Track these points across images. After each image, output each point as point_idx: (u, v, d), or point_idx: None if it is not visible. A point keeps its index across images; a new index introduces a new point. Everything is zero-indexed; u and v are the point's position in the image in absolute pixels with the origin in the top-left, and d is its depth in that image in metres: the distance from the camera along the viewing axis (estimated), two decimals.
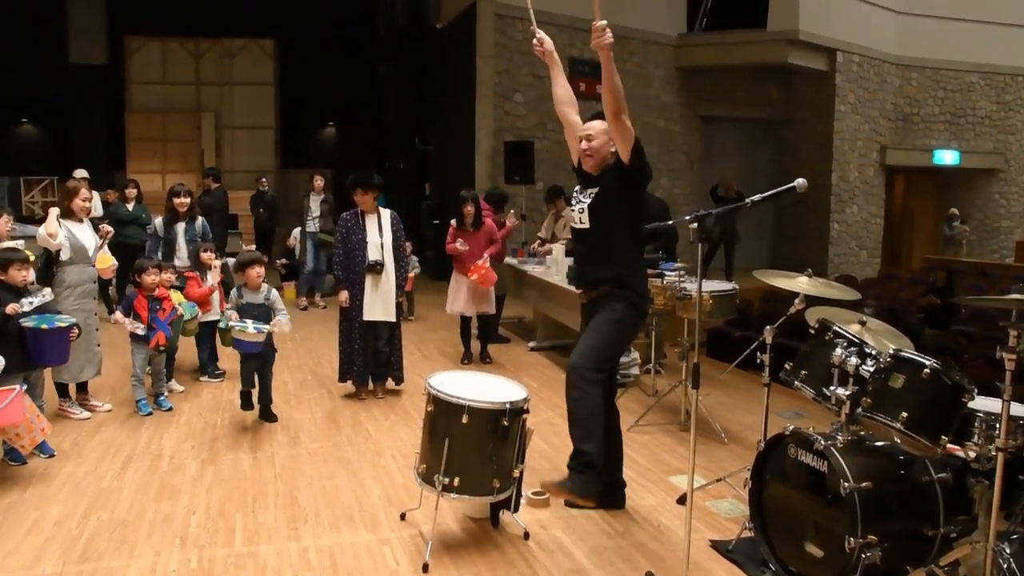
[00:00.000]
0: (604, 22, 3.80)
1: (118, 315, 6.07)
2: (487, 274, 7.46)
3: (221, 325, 6.32)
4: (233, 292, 5.94)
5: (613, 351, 4.13)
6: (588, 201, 4.13)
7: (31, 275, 5.23)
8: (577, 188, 4.29)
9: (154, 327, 5.95)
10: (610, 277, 4.06)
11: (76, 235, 5.88)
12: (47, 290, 5.36)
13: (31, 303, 5.06)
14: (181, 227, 7.04)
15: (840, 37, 14.81)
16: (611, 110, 3.93)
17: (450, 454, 3.75)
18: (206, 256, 6.79)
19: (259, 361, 5.84)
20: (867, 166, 15.79)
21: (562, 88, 4.47)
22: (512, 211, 9.23)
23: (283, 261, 11.93)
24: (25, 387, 4.84)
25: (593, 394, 3.84)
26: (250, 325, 5.57)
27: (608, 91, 3.91)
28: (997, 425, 3.10)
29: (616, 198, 4.06)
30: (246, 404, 5.89)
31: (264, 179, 12.97)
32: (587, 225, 4.15)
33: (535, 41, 4.36)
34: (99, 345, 6.09)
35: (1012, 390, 3.00)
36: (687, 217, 3.27)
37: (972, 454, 3.34)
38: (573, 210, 4.28)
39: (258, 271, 5.90)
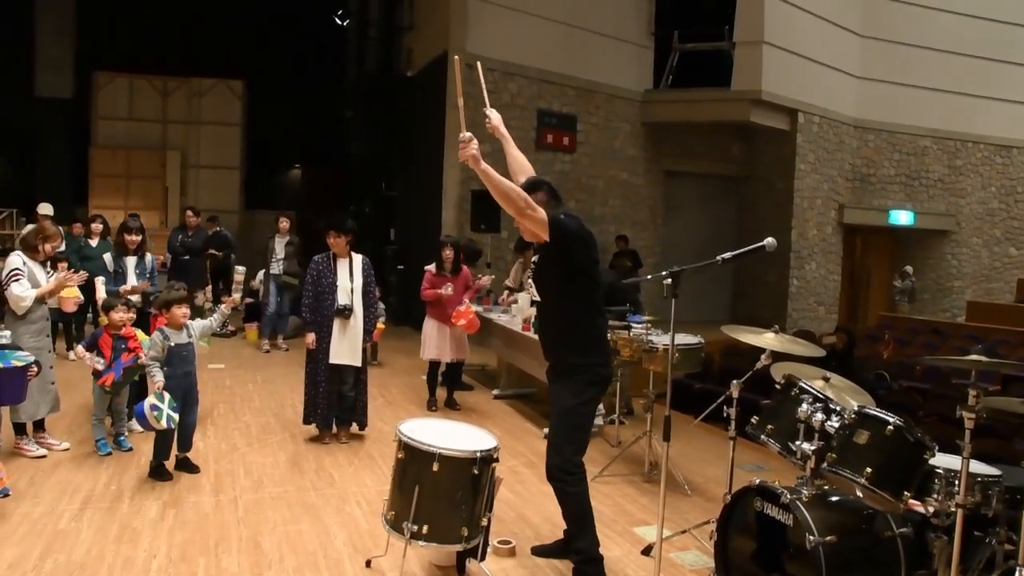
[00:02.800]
0: (468, 134, 3.80)
1: (79, 349, 6.01)
2: (473, 320, 7.48)
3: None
4: (156, 337, 5.48)
5: (584, 435, 4.11)
6: (533, 271, 4.18)
7: None
8: None
9: (111, 366, 5.87)
10: (561, 354, 4.12)
11: (36, 275, 5.84)
12: (6, 331, 5.29)
13: None
14: (131, 261, 6.96)
15: (801, 98, 15.22)
16: (512, 211, 3.87)
17: (419, 501, 3.75)
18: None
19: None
20: (825, 224, 16.14)
21: (513, 159, 4.48)
22: (487, 268, 9.25)
23: (248, 301, 11.86)
24: None
25: (578, 492, 4.03)
26: (171, 414, 5.22)
27: (499, 197, 3.81)
28: (956, 482, 3.18)
29: (554, 273, 4.05)
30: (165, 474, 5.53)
31: (214, 220, 12.90)
32: (538, 297, 4.19)
33: (486, 120, 4.36)
34: (53, 383, 5.97)
35: (971, 448, 3.09)
36: (666, 272, 3.34)
37: (932, 509, 3.43)
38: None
39: (184, 311, 5.57)
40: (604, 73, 14.48)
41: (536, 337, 7.14)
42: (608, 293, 6.58)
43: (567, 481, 4.02)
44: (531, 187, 4.03)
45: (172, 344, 5.47)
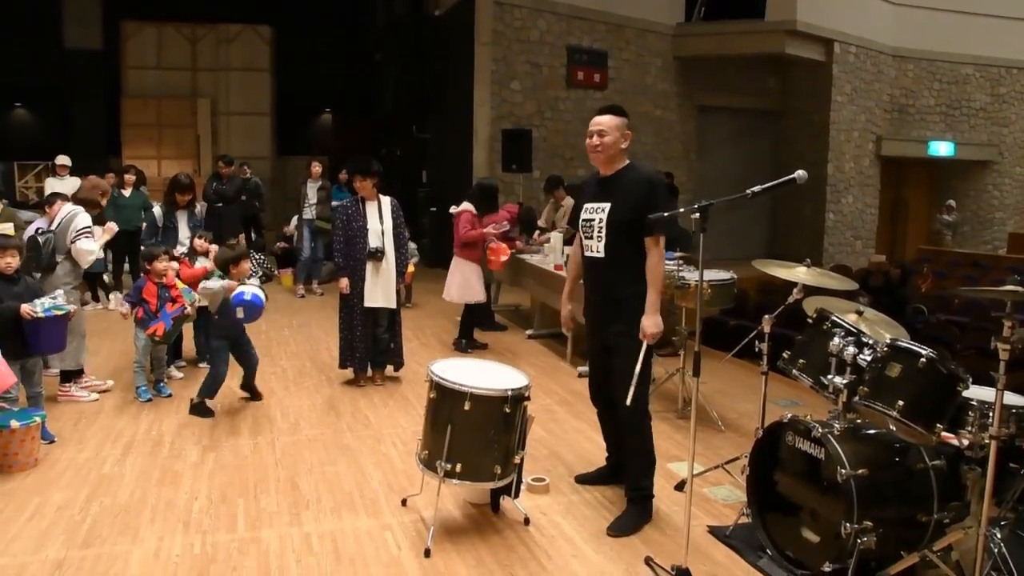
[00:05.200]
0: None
1: (124, 309, 6.17)
2: (509, 256, 7.81)
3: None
4: (213, 282, 5.86)
5: (649, 372, 4.24)
6: (609, 218, 4.06)
7: (16, 262, 5.21)
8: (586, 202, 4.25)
9: (158, 316, 5.97)
10: (626, 294, 4.04)
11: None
12: (60, 292, 5.38)
13: (43, 305, 5.07)
14: (183, 215, 7.04)
15: (837, 28, 14.84)
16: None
17: (452, 440, 3.79)
18: (200, 243, 6.78)
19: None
20: (863, 156, 15.84)
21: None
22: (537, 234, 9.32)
23: (282, 245, 11.96)
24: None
25: (650, 434, 4.18)
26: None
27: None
28: (990, 414, 3.14)
29: (636, 225, 3.97)
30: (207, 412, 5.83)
31: (246, 166, 12.91)
32: (601, 250, 4.12)
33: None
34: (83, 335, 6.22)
35: (1006, 379, 3.04)
36: (695, 206, 3.29)
37: (966, 442, 3.39)
38: (584, 229, 4.22)
39: (248, 265, 6.02)
40: (635, 7, 14.20)
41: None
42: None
43: (644, 425, 4.16)
44: (620, 111, 4.13)
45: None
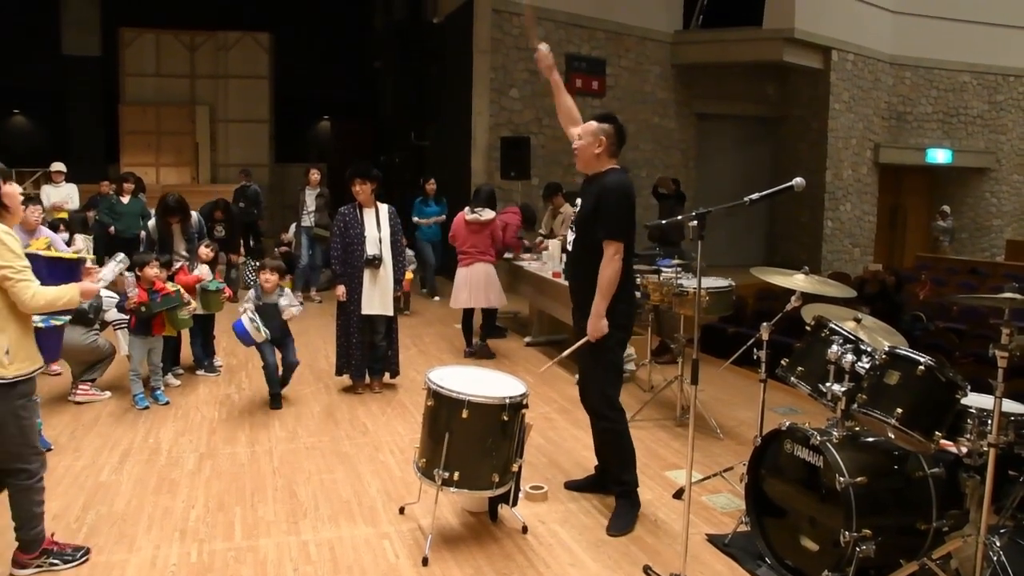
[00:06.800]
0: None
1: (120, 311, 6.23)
2: None
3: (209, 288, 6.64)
4: (252, 292, 6.23)
5: (618, 376, 4.30)
6: (577, 221, 4.36)
7: None
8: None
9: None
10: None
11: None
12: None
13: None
14: (177, 227, 7.04)
15: (835, 35, 14.87)
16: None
17: (450, 448, 3.78)
18: (204, 251, 6.81)
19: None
20: (861, 164, 15.86)
21: (563, 108, 4.55)
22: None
23: (283, 249, 11.96)
24: None
25: (621, 428, 4.22)
26: (264, 329, 5.99)
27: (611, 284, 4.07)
28: (989, 421, 3.14)
29: (596, 230, 4.11)
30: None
31: (247, 173, 12.85)
32: (571, 245, 4.38)
33: (537, 57, 4.50)
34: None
35: (1004, 387, 3.04)
36: (693, 214, 3.30)
37: (964, 450, 3.39)
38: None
39: (266, 276, 6.17)
40: (633, 15, 14.20)
41: (566, 284, 7.22)
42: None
43: (610, 418, 4.20)
44: (604, 118, 4.19)
45: (260, 303, 6.16)
